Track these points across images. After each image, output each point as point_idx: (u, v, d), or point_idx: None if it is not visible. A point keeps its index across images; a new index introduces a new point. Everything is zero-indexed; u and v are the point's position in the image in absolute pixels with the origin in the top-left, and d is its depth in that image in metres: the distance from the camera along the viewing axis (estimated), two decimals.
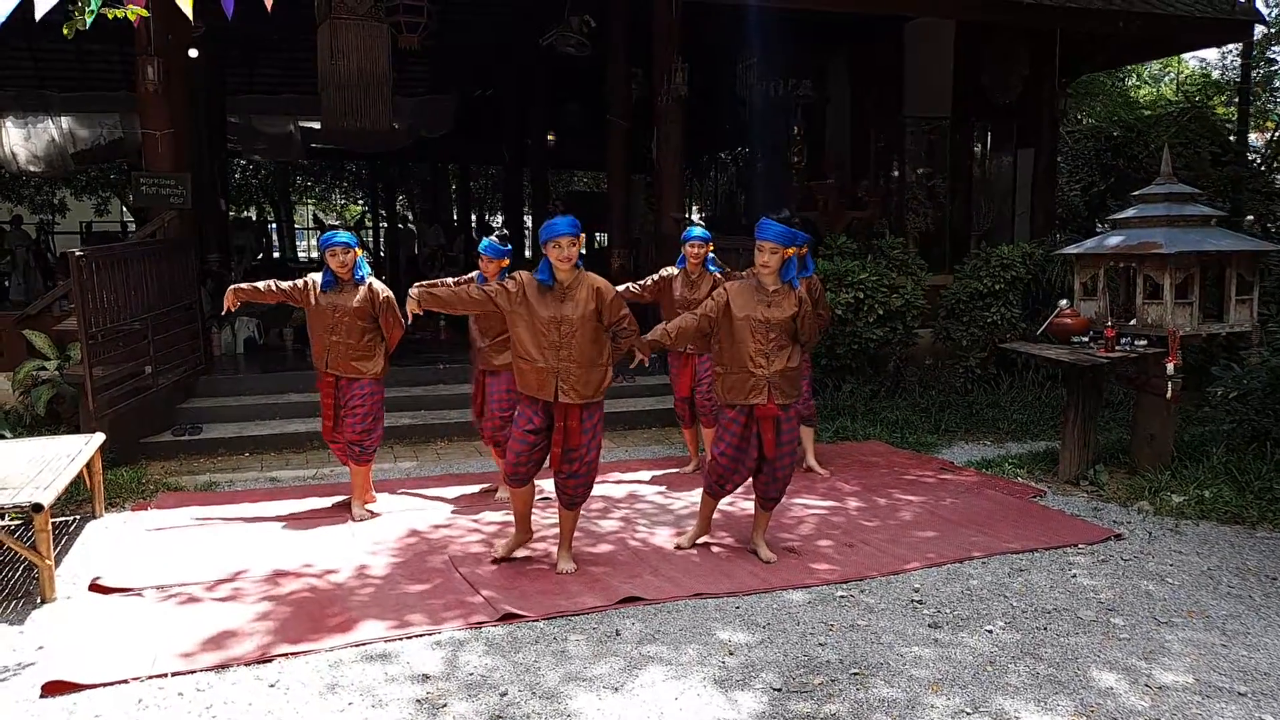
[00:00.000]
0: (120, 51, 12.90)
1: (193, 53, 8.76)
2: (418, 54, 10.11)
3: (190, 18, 3.46)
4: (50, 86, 13.92)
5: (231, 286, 5.27)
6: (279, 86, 15.08)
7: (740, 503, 5.47)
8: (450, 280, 5.58)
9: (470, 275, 5.55)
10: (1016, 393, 8.52)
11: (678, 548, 4.86)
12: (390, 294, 5.39)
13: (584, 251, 19.59)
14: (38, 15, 3.79)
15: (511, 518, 4.86)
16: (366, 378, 5.35)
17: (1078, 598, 4.25)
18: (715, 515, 5.05)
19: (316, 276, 5.36)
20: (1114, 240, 6.12)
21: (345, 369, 5.31)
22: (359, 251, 5.32)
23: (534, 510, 5.46)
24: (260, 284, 5.33)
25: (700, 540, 4.93)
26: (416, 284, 4.99)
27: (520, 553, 4.81)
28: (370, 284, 5.32)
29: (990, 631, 3.90)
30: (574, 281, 4.34)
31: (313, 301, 5.28)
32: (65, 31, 3.86)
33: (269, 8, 3.41)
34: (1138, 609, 4.13)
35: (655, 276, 6.12)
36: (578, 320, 4.32)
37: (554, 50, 10.61)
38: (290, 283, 5.38)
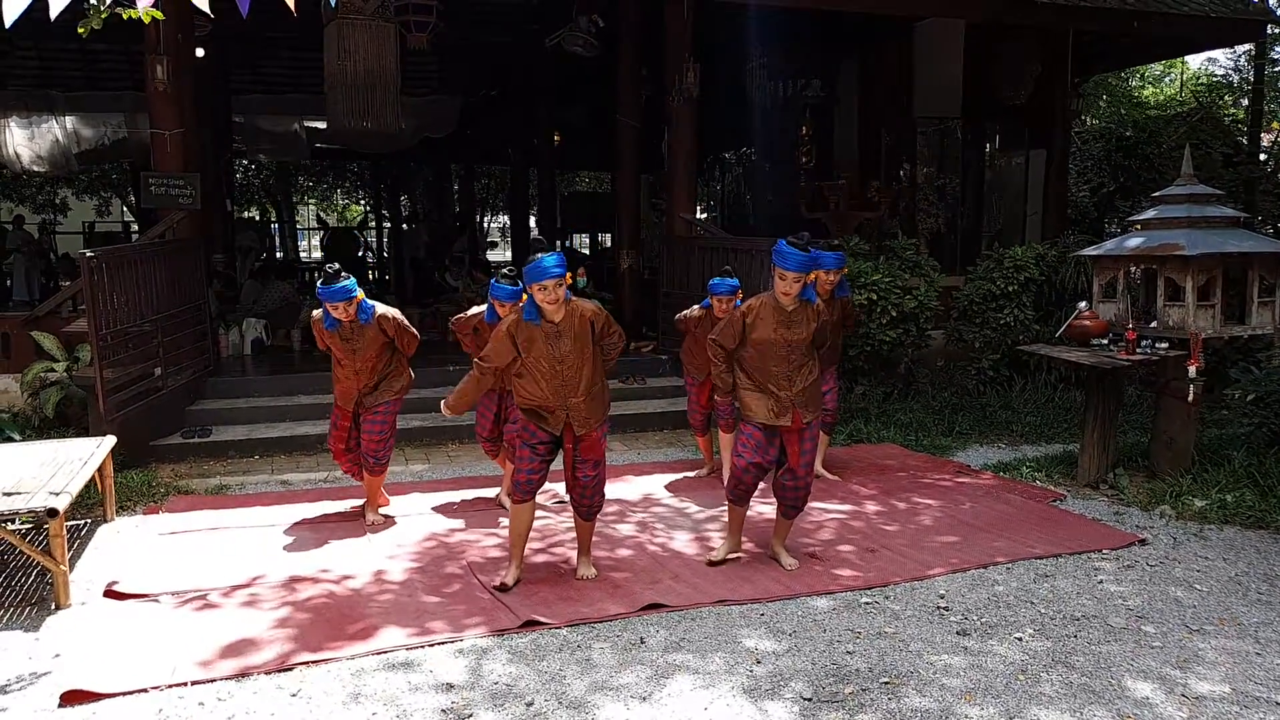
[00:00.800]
0: (125, 51, 12.84)
1: (199, 52, 8.72)
2: (423, 53, 10.06)
3: (209, 13, 3.41)
4: (54, 86, 13.83)
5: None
6: (284, 86, 15.00)
7: (758, 506, 5.40)
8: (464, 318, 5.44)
9: (473, 312, 5.38)
10: (1030, 395, 8.46)
11: (709, 563, 4.63)
12: (397, 313, 5.23)
13: (586, 252, 19.54)
14: (53, 15, 3.74)
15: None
16: (394, 396, 5.33)
17: (1106, 604, 4.20)
18: None
19: (318, 314, 5.14)
20: (1134, 242, 6.06)
21: (377, 402, 5.27)
22: (361, 296, 5.05)
23: (550, 515, 5.47)
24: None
25: (730, 548, 4.72)
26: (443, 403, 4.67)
27: (540, 559, 4.76)
28: (379, 317, 5.11)
29: (1020, 639, 3.85)
30: (564, 317, 4.16)
31: (330, 341, 5.15)
32: (80, 30, 3.81)
33: (294, 10, 3.35)
34: (1168, 616, 4.07)
35: (686, 321, 6.00)
36: (576, 356, 4.19)
37: (561, 50, 10.56)
38: (319, 338, 5.25)
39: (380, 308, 5.17)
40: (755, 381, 4.44)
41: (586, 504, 4.47)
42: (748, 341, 4.42)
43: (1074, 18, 8.96)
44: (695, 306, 6.04)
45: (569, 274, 4.12)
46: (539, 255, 4.05)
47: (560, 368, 4.18)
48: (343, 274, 5.00)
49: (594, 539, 4.77)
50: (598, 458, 4.36)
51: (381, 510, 5.48)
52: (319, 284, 5.06)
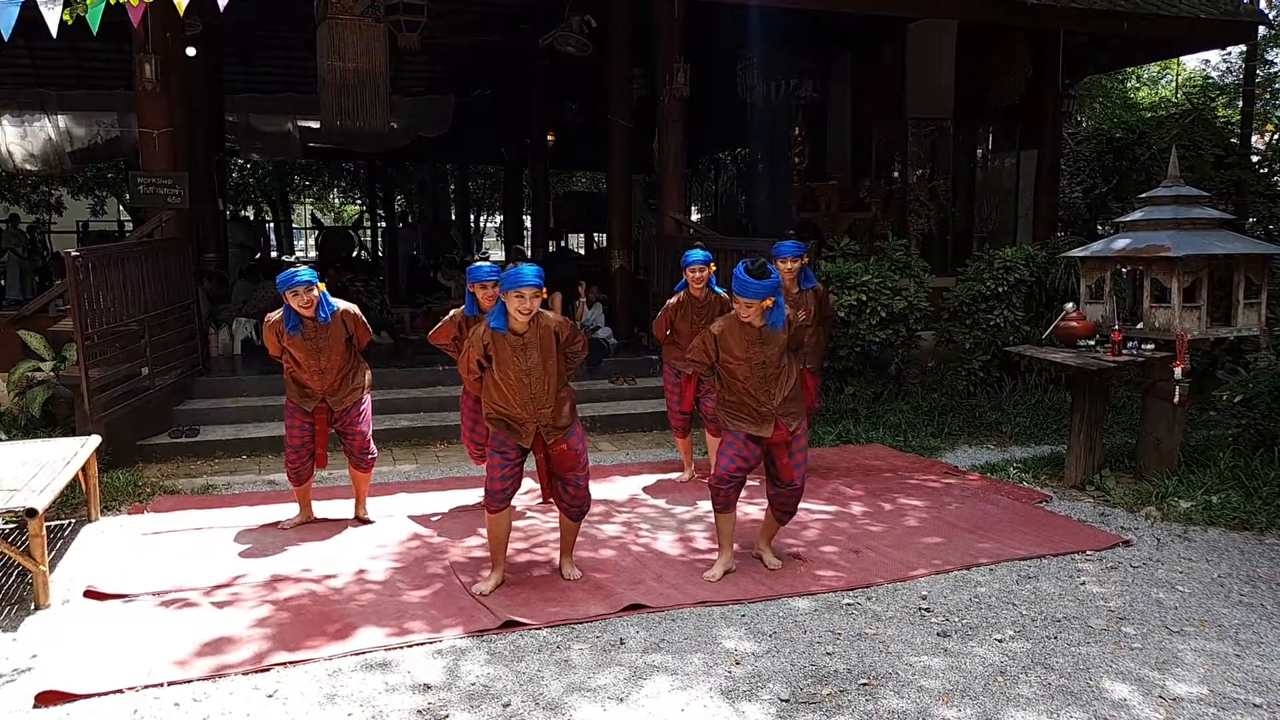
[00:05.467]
0: (117, 50, 12.80)
1: (190, 51, 8.71)
2: (417, 53, 10.05)
3: (181, 12, 3.40)
4: (47, 84, 13.83)
5: None
6: (277, 85, 14.99)
7: (743, 507, 5.39)
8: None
9: (446, 320, 5.21)
10: (1019, 396, 8.46)
11: (708, 579, 4.48)
12: (354, 307, 5.19)
13: (581, 252, 19.49)
14: (52, 29, 3.72)
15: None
16: (365, 392, 5.29)
17: (1087, 606, 4.20)
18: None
19: (275, 316, 5.01)
20: (1121, 243, 6.06)
21: (345, 400, 5.16)
22: (322, 287, 4.98)
23: (535, 514, 5.46)
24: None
25: (726, 564, 4.55)
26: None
27: (522, 558, 4.75)
28: (340, 313, 5.05)
29: (1000, 640, 3.84)
30: (530, 330, 4.12)
31: (287, 344, 4.99)
32: (65, 17, 3.79)
33: None
34: (1149, 617, 4.07)
35: (665, 312, 5.92)
36: (543, 369, 4.15)
37: (554, 50, 10.55)
38: (268, 340, 5.08)
39: (339, 303, 5.11)
40: (734, 395, 4.40)
41: (577, 507, 4.43)
42: (721, 361, 4.38)
43: (1065, 19, 8.96)
44: (670, 299, 5.98)
45: (544, 289, 4.07)
46: (519, 264, 4.04)
47: (528, 380, 4.14)
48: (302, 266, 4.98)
49: (579, 538, 4.75)
50: (575, 464, 4.29)
51: (360, 514, 5.43)
52: (278, 278, 4.97)
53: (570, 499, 4.39)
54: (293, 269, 4.95)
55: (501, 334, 4.11)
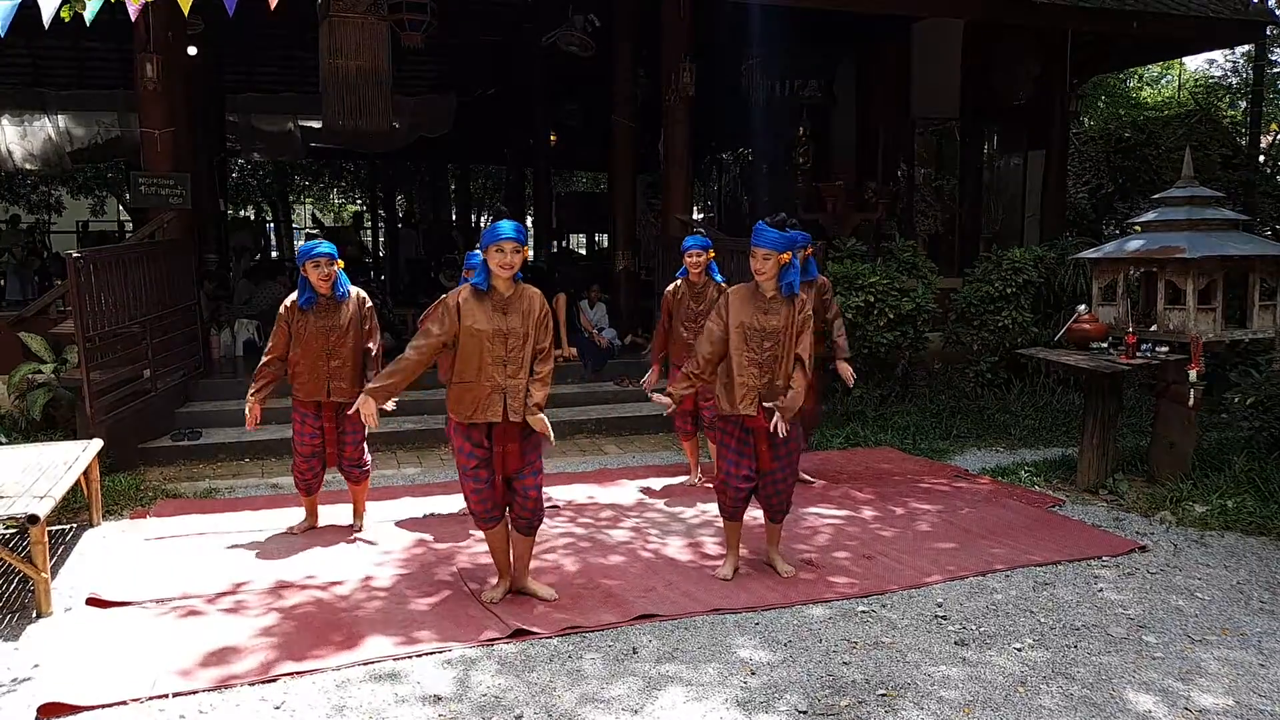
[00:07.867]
0: (118, 49, 12.73)
1: (191, 50, 8.65)
2: (419, 52, 9.98)
3: (185, 12, 3.34)
4: (47, 84, 13.75)
5: (249, 401, 5.00)
6: (278, 85, 14.92)
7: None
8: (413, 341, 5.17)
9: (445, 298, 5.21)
10: (1028, 398, 8.40)
11: (719, 576, 4.46)
12: (364, 293, 5.14)
13: (583, 252, 19.43)
14: (46, 21, 3.66)
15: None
16: None
17: (1106, 613, 4.13)
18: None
19: (290, 298, 4.97)
20: (1134, 244, 6.00)
21: (351, 394, 4.93)
22: (340, 264, 4.94)
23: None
24: (262, 377, 5.01)
25: (735, 564, 4.54)
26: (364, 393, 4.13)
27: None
28: (356, 295, 5.02)
29: (1019, 650, 3.77)
30: (514, 293, 4.02)
31: (297, 328, 4.92)
32: (64, 15, 3.72)
33: (272, 6, 3.29)
34: (1169, 626, 4.01)
35: (664, 302, 6.09)
36: (524, 332, 4.00)
37: (557, 49, 10.49)
38: (277, 335, 4.97)
39: (354, 288, 5.06)
40: (725, 369, 4.33)
41: (525, 519, 4.17)
42: (727, 329, 4.30)
43: (1073, 18, 8.90)
44: (669, 286, 6.09)
45: (525, 247, 4.03)
46: (497, 222, 3.99)
47: (508, 340, 3.97)
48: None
49: (588, 544, 4.69)
50: (520, 466, 4.07)
51: (357, 527, 5.29)
52: (299, 248, 4.92)
53: (519, 508, 4.13)
54: (313, 240, 4.94)
55: (482, 289, 4.00)
